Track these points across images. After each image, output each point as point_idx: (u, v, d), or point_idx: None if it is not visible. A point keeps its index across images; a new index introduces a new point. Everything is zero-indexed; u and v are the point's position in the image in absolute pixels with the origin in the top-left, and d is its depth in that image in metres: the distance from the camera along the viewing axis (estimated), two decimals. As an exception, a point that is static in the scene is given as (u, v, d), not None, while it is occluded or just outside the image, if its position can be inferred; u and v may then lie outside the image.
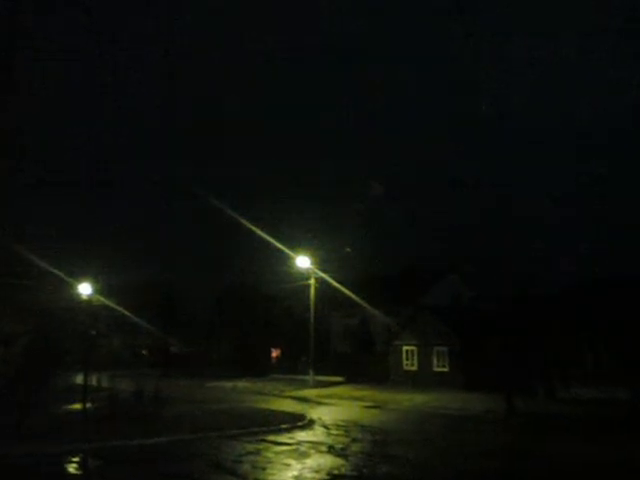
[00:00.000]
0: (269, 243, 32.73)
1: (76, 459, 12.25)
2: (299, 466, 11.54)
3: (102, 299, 37.15)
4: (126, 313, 43.55)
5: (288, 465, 11.60)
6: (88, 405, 20.19)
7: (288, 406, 23.97)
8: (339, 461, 12.04)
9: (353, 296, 38.04)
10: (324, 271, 35.48)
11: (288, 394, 31.11)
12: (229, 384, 37.34)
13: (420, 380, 33.26)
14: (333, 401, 27.40)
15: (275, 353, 50.19)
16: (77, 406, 20.47)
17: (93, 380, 26.00)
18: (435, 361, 33.53)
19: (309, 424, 17.93)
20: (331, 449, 13.49)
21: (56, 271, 25.21)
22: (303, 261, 34.43)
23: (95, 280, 34.16)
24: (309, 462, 11.96)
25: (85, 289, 32.77)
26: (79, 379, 26.11)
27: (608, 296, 27.93)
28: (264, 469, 11.21)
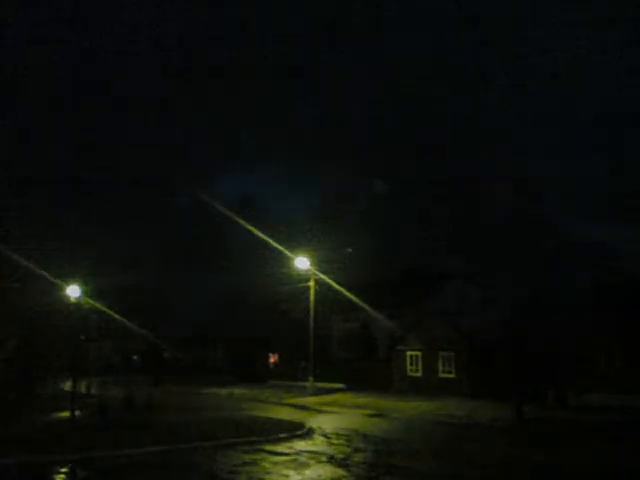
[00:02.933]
0: (267, 243, 32.69)
1: (64, 469, 12.17)
2: (298, 477, 11.47)
3: (92, 302, 37.07)
4: (117, 317, 43.49)
5: (287, 476, 11.53)
6: (77, 413, 20.13)
7: (286, 414, 23.90)
8: (340, 472, 11.96)
9: (354, 299, 37.98)
10: (324, 272, 35.43)
11: (287, 401, 31.05)
12: (225, 391, 37.30)
13: (425, 386, 33.20)
14: (334, 409, 27.33)
15: (273, 358, 50.13)
16: (65, 414, 20.40)
17: (82, 387, 25.96)
18: (440, 367, 33.47)
19: (308, 433, 17.85)
20: (332, 459, 13.42)
21: (44, 272, 25.13)
22: (302, 262, 34.36)
23: (85, 282, 34.08)
24: (308, 473, 11.89)
25: (74, 291, 32.66)
26: (68, 386, 26.06)
27: (620, 300, 27.90)
28: (261, 480, 11.14)
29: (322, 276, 35.33)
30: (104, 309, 40.80)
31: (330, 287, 36.42)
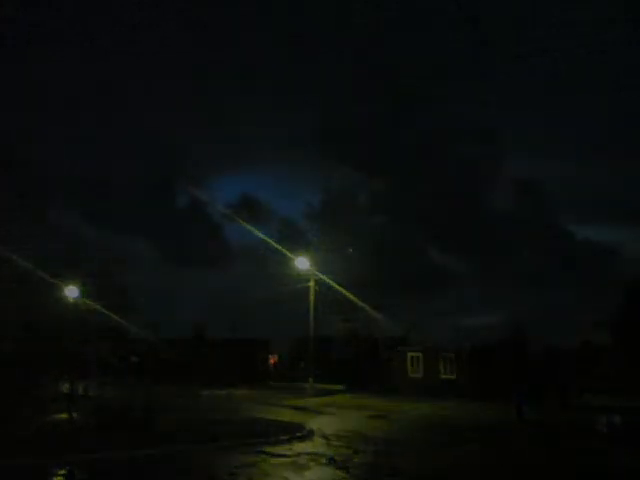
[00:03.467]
0: (267, 243, 32.70)
1: (62, 472, 12.13)
2: (298, 479, 11.44)
3: (90, 302, 36.99)
4: (115, 317, 43.38)
5: (286, 478, 11.50)
6: (74, 415, 20.08)
7: (286, 415, 23.85)
8: (340, 474, 11.94)
9: (354, 299, 37.97)
10: (324, 273, 35.41)
11: (286, 403, 31.00)
12: (224, 392, 37.24)
13: (426, 388, 33.16)
14: (334, 410, 27.30)
15: (273, 359, 50.08)
16: (63, 416, 20.34)
17: (80, 388, 25.92)
18: (442, 368, 33.44)
19: (308, 435, 17.81)
20: (332, 461, 13.37)
21: (41, 273, 25.10)
22: (302, 262, 34.34)
23: (83, 282, 34.06)
24: (308, 475, 11.87)
25: (72, 292, 32.66)
26: (66, 387, 26.02)
27: (620, 300, 27.90)
28: (261, 483, 11.12)
29: (322, 276, 35.31)
30: (103, 310, 40.69)
31: (330, 287, 36.42)
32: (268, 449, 14.83)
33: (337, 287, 36.64)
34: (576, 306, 30.54)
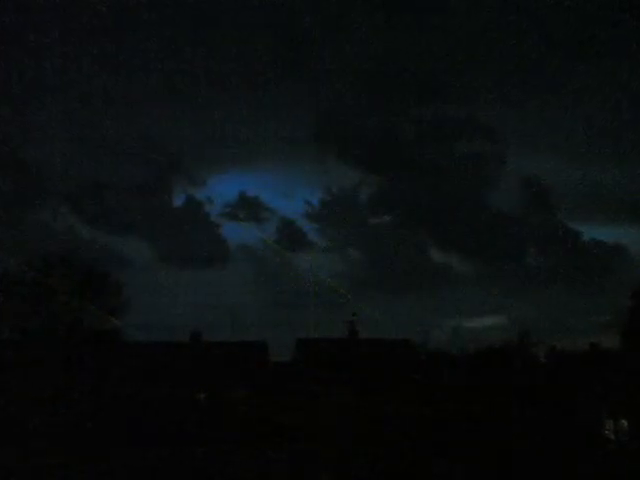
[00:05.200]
0: (267, 243, 32.82)
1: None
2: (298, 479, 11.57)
3: (86, 303, 37.01)
4: (111, 319, 43.40)
5: (287, 478, 11.62)
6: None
7: (287, 416, 23.89)
8: (341, 475, 12.03)
9: (354, 300, 37.98)
10: (324, 272, 35.53)
11: (286, 404, 31.01)
12: (224, 394, 37.23)
13: (428, 390, 33.25)
14: (336, 411, 27.30)
15: (272, 362, 49.96)
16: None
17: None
18: (444, 370, 33.52)
19: (311, 436, 17.88)
20: (332, 462, 13.46)
21: (37, 273, 25.21)
22: (302, 262, 34.48)
23: (77, 282, 34.10)
24: (310, 476, 11.97)
25: (69, 292, 32.68)
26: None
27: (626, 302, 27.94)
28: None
29: (322, 277, 35.41)
30: (99, 311, 40.68)
31: (331, 287, 36.48)
32: (269, 450, 14.89)
33: (337, 287, 36.73)
34: (583, 307, 30.58)
